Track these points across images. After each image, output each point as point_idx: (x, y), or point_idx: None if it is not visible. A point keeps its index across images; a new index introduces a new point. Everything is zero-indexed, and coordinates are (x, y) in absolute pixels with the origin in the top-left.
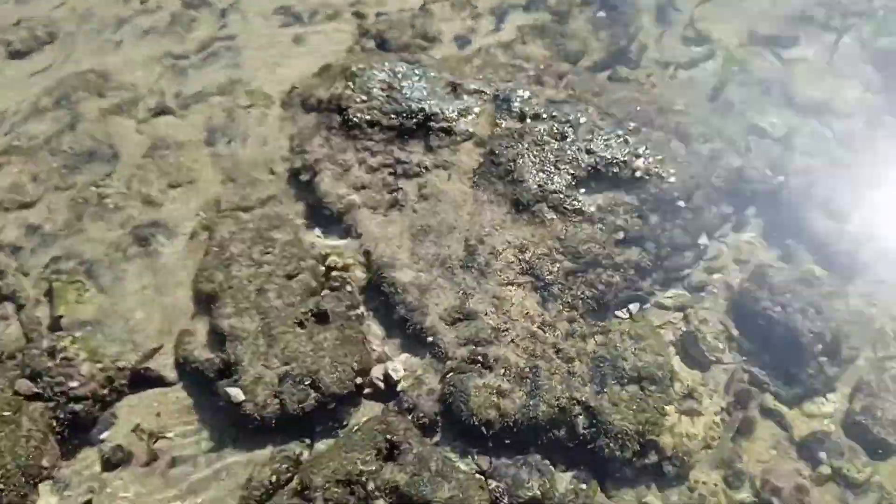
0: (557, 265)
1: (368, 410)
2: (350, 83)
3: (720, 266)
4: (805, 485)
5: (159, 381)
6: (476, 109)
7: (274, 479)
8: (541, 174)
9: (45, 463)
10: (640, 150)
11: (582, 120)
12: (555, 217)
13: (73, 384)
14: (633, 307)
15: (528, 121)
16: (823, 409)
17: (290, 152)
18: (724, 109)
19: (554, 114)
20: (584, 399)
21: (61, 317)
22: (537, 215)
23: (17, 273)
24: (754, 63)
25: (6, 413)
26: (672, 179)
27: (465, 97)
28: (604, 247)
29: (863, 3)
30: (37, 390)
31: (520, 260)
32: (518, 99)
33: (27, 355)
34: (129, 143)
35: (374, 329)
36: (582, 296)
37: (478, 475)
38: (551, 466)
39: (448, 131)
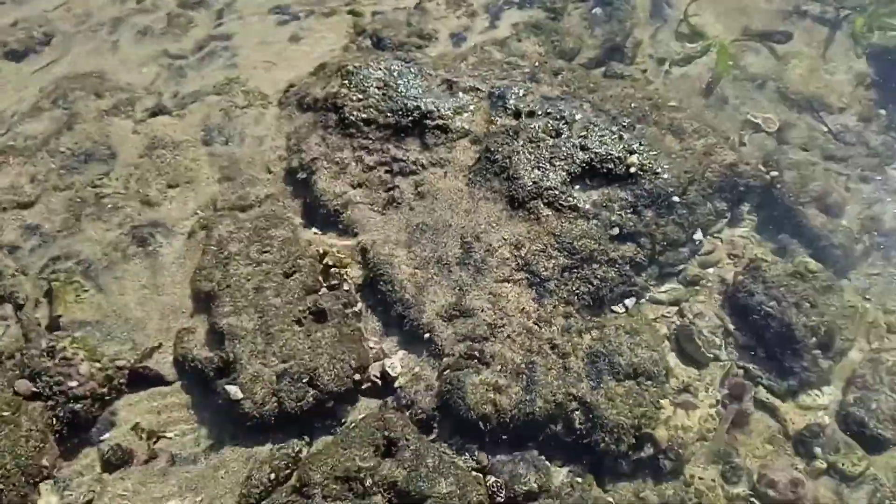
0: (553, 261)
1: (366, 407)
2: (346, 82)
3: (715, 261)
4: (800, 478)
5: (158, 380)
6: (471, 107)
7: (273, 476)
8: (536, 171)
9: (45, 463)
10: (635, 146)
11: (577, 116)
12: (550, 213)
13: (73, 384)
14: (629, 302)
15: (524, 118)
16: (818, 401)
17: (287, 151)
18: (718, 105)
19: (549, 111)
20: (580, 394)
21: (60, 317)
22: (533, 212)
23: (16, 273)
24: (748, 58)
25: (6, 413)
26: (666, 175)
27: (461, 95)
28: (599, 242)
29: None
30: (36, 390)
31: (515, 256)
32: (513, 96)
33: (26, 355)
34: (126, 143)
35: (372, 326)
36: (577, 291)
37: (475, 471)
38: (547, 462)
39: (444, 129)
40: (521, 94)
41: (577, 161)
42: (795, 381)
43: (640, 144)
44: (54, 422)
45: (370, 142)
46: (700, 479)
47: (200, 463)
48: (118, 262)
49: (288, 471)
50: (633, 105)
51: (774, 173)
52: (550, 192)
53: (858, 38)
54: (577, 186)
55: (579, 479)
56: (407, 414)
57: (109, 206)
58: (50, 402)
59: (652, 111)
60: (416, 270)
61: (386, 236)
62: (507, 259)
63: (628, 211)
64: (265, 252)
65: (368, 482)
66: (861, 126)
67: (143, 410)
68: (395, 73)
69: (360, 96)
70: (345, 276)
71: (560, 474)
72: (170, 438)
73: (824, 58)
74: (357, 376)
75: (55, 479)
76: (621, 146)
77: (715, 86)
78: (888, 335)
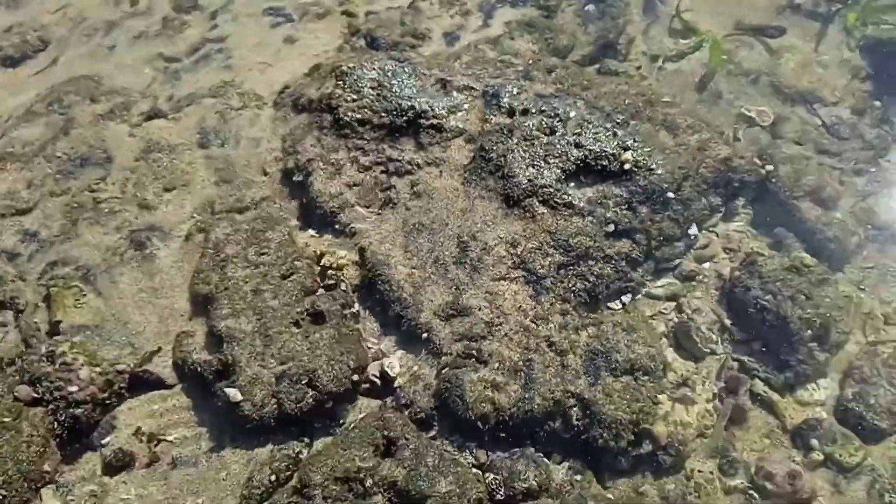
0: (549, 259)
1: (366, 407)
2: (340, 82)
3: (710, 255)
4: (798, 470)
5: (158, 384)
6: (466, 106)
7: (273, 478)
8: (531, 169)
9: (46, 468)
10: (629, 143)
11: (571, 114)
12: (545, 211)
13: (73, 389)
14: (626, 298)
15: (518, 116)
16: (815, 395)
17: (283, 153)
18: (712, 100)
19: (543, 108)
20: (577, 391)
21: (60, 322)
22: (528, 210)
23: (15, 279)
24: (741, 53)
25: (6, 419)
26: (660, 171)
27: (455, 94)
28: (594, 239)
29: None
30: (36, 395)
31: (512, 254)
32: (507, 94)
33: (26, 361)
34: (122, 147)
35: (370, 327)
36: (574, 288)
37: (475, 469)
38: (546, 459)
39: (438, 128)
40: (515, 93)
41: (572, 158)
42: (792, 374)
43: (634, 141)
44: (55, 427)
45: (365, 142)
46: (699, 472)
47: (201, 465)
48: (116, 267)
49: (288, 472)
50: (626, 101)
51: (769, 167)
52: (545, 189)
53: (851, 32)
54: (572, 184)
55: (578, 476)
56: (406, 413)
57: (107, 210)
58: (51, 408)
59: (646, 107)
60: (414, 270)
61: (382, 236)
62: (504, 257)
63: (623, 207)
64: (262, 254)
65: (368, 482)
66: (855, 119)
67: (143, 414)
68: (390, 73)
69: (355, 97)
70: (342, 277)
71: (559, 471)
72: (171, 441)
73: (817, 51)
74: (356, 377)
75: (57, 483)
76: (615, 143)
77: (708, 81)
78: (884, 327)
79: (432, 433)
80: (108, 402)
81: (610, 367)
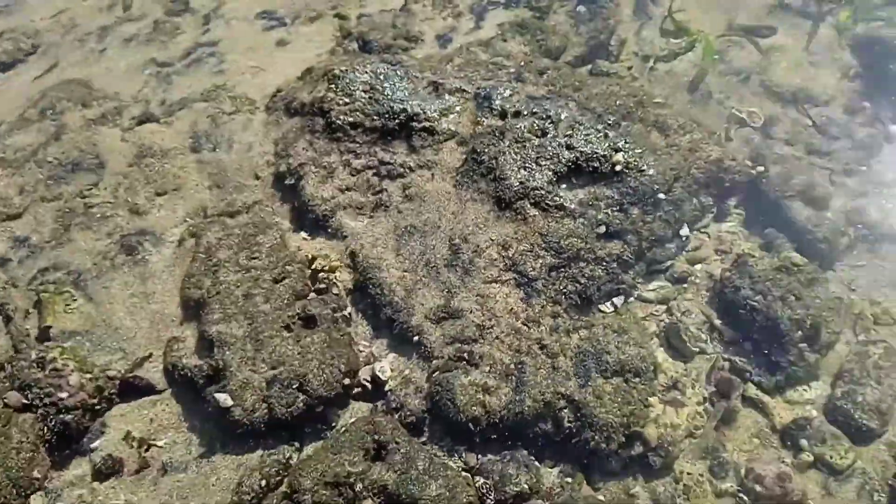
0: (540, 261)
1: (357, 411)
2: (332, 86)
3: (702, 257)
4: (788, 472)
5: (149, 390)
6: (458, 108)
7: (264, 483)
8: (522, 171)
9: (36, 474)
10: (620, 144)
11: (562, 115)
12: (537, 213)
13: (63, 395)
14: (618, 301)
15: (509, 118)
16: (805, 395)
17: (275, 156)
18: (704, 100)
19: (534, 110)
20: (568, 393)
21: (50, 327)
22: (519, 212)
23: (6, 286)
24: (732, 53)
25: None
26: (652, 172)
27: (447, 96)
28: (586, 241)
29: None
30: (26, 402)
31: (503, 257)
32: (499, 97)
33: (16, 367)
34: (114, 152)
35: (362, 330)
36: (565, 291)
37: (465, 472)
38: (537, 462)
39: (430, 131)
40: (506, 95)
41: (563, 160)
42: (782, 375)
43: (626, 142)
44: (45, 433)
45: (357, 145)
46: (688, 474)
47: (192, 471)
48: (107, 272)
49: (279, 477)
50: (618, 103)
51: (760, 168)
52: (537, 191)
53: (843, 31)
54: (564, 186)
55: (569, 479)
56: (397, 417)
57: (98, 215)
58: (40, 413)
59: (637, 108)
60: (405, 273)
61: (374, 240)
62: (495, 260)
63: (614, 209)
64: (254, 258)
65: (359, 487)
66: (846, 118)
67: (133, 420)
68: (381, 76)
69: (347, 100)
70: (334, 281)
71: (550, 474)
72: (161, 447)
73: (808, 51)
74: (347, 381)
75: (46, 490)
76: (607, 144)
77: (700, 81)
78: (874, 327)
79: (423, 437)
80: (98, 407)
81: (601, 370)
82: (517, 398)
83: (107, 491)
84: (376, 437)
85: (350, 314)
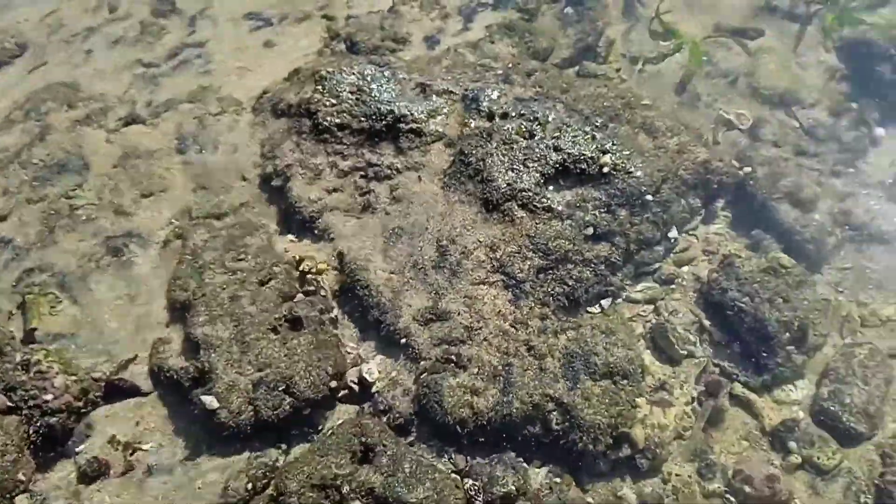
0: (528, 263)
1: (344, 413)
2: (319, 87)
3: (689, 258)
4: (775, 473)
5: (134, 392)
6: (445, 110)
7: (250, 485)
8: (510, 173)
9: (21, 476)
10: (608, 146)
11: (550, 117)
12: (524, 215)
13: (48, 397)
14: (605, 302)
15: (497, 120)
16: (792, 396)
17: (262, 158)
18: (691, 102)
19: (522, 112)
20: (556, 395)
21: (35, 329)
22: (507, 214)
23: None
24: (720, 55)
25: None
26: (639, 174)
27: (435, 98)
28: (573, 243)
29: None
30: (11, 404)
31: (491, 259)
32: (486, 98)
33: (1, 369)
34: (99, 154)
35: (349, 332)
36: (553, 292)
37: (453, 474)
38: (525, 463)
39: (418, 132)
40: (494, 97)
41: (551, 162)
42: (770, 376)
43: (613, 144)
44: (30, 435)
45: (345, 147)
46: (677, 475)
47: (177, 473)
48: (93, 274)
49: (265, 480)
50: (605, 104)
51: (748, 169)
52: (524, 193)
53: (829, 33)
54: (551, 187)
55: (557, 480)
56: (384, 419)
57: (83, 217)
58: (25, 416)
59: (625, 110)
60: (393, 275)
61: (362, 241)
62: (483, 261)
63: (602, 211)
64: (240, 260)
65: (345, 489)
66: (833, 120)
67: (119, 422)
68: (369, 78)
69: (334, 101)
70: (321, 283)
71: (538, 475)
72: (146, 450)
73: (795, 53)
74: (334, 383)
75: (31, 492)
76: (594, 146)
77: (687, 83)
78: (861, 329)
79: (410, 439)
80: (83, 410)
81: (589, 371)
82: (505, 400)
83: (92, 493)
84: (363, 439)
85: (337, 316)
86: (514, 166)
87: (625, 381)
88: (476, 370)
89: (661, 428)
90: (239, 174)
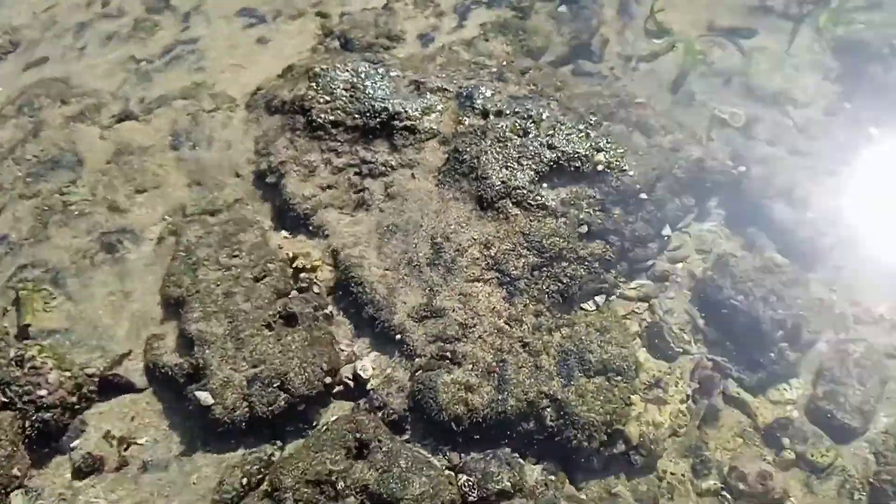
0: (522, 260)
1: (339, 410)
2: (313, 84)
3: (683, 256)
4: (769, 470)
5: (129, 388)
6: (439, 107)
7: (245, 481)
8: (504, 170)
9: (15, 472)
10: (602, 144)
11: (544, 115)
12: (519, 212)
13: (42, 393)
14: (600, 299)
15: (491, 117)
16: (786, 395)
17: (256, 155)
18: (686, 101)
19: (516, 110)
20: (551, 392)
21: (29, 325)
22: (501, 211)
23: None
24: (714, 54)
25: None
26: (633, 172)
27: (429, 95)
28: (568, 240)
29: None
30: (5, 400)
31: (485, 256)
32: (481, 96)
33: None
34: (93, 150)
35: (343, 329)
36: (547, 290)
37: (448, 471)
38: (520, 460)
39: (412, 130)
40: (488, 94)
41: (545, 160)
42: (764, 374)
43: (607, 142)
44: (24, 431)
45: (339, 144)
46: (672, 473)
47: (172, 469)
48: (87, 270)
49: (260, 475)
50: (600, 103)
51: (742, 168)
52: (519, 191)
53: (823, 33)
54: (545, 185)
55: (552, 477)
56: (379, 415)
57: (77, 213)
58: (19, 411)
59: (619, 108)
60: (387, 272)
61: (356, 238)
62: (477, 259)
63: (596, 209)
64: (234, 256)
65: (340, 485)
66: (827, 120)
67: (113, 418)
68: (363, 75)
69: (328, 98)
70: (315, 280)
71: (533, 472)
72: (141, 445)
73: (789, 52)
74: (328, 379)
75: (26, 488)
76: (588, 144)
77: (681, 82)
78: (855, 326)
79: (405, 435)
80: (77, 405)
81: (583, 368)
82: (500, 397)
83: (87, 489)
84: (358, 435)
85: (331, 313)
86: (509, 164)
87: (619, 379)
88: (471, 367)
89: (656, 425)
90: (233, 171)
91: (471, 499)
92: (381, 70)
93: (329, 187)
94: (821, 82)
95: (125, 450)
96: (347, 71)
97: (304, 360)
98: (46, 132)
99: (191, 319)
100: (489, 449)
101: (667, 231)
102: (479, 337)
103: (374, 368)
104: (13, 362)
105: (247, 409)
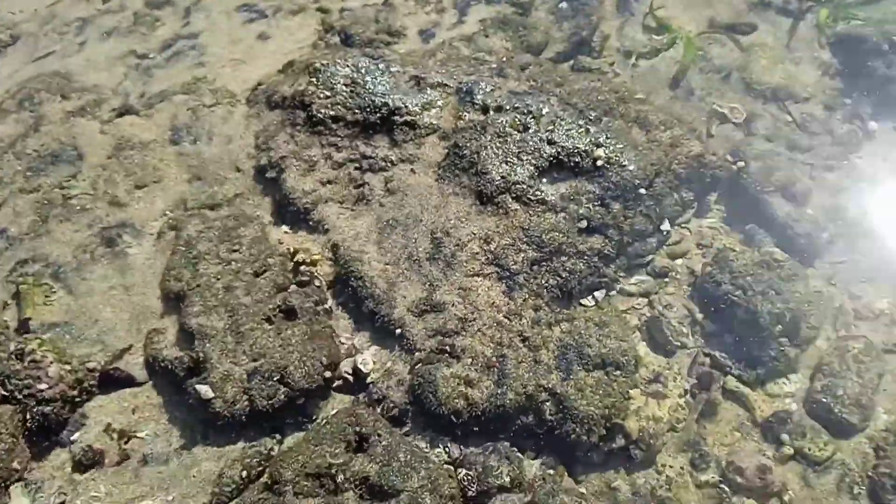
0: (522, 255)
1: (339, 403)
2: (313, 79)
3: (683, 251)
4: (767, 464)
5: (129, 381)
6: (440, 103)
7: (244, 474)
8: (504, 165)
9: (15, 465)
10: (601, 139)
11: (544, 111)
12: (518, 207)
13: (42, 386)
14: (599, 294)
15: (491, 113)
16: (785, 389)
17: (256, 149)
18: (685, 96)
19: (516, 105)
20: (550, 386)
21: (29, 319)
22: (501, 206)
23: None
24: (714, 50)
25: None
26: (633, 167)
27: (429, 91)
28: (567, 235)
29: None
30: (5, 393)
31: (485, 251)
32: (481, 91)
33: None
34: (93, 144)
35: (343, 323)
36: (547, 284)
37: (447, 464)
38: (519, 454)
39: (412, 125)
40: (488, 90)
41: (545, 155)
42: (763, 368)
43: (607, 137)
44: (25, 424)
45: (339, 139)
46: (670, 467)
47: (172, 462)
48: (87, 264)
49: (260, 468)
50: (599, 98)
51: (741, 163)
52: (518, 186)
53: (823, 28)
54: (545, 180)
55: (551, 471)
56: (379, 409)
57: (77, 207)
58: (20, 405)
59: (618, 104)
60: (387, 266)
61: (356, 233)
62: (477, 253)
63: (596, 204)
64: (235, 251)
65: (340, 478)
66: (826, 115)
67: (114, 411)
68: (363, 70)
69: (328, 94)
70: (315, 274)
71: (532, 466)
72: (141, 438)
73: (789, 48)
74: (328, 373)
75: (26, 481)
76: (588, 139)
77: (681, 78)
78: (854, 322)
79: (405, 429)
80: (77, 399)
81: (582, 362)
82: (499, 391)
83: (87, 482)
84: (358, 428)
85: (331, 307)
86: (509, 159)
87: (618, 373)
88: (470, 361)
89: (656, 420)
90: (233, 165)
91: (470, 493)
92: (381, 65)
93: (329, 182)
94: (820, 78)
95: (125, 443)
96: (348, 66)
97: (304, 353)
98: (47, 127)
99: (191, 313)
100: (488, 443)
101: (666, 226)
102: (479, 331)
103: (373, 362)
104: (13, 356)
105: (247, 403)
